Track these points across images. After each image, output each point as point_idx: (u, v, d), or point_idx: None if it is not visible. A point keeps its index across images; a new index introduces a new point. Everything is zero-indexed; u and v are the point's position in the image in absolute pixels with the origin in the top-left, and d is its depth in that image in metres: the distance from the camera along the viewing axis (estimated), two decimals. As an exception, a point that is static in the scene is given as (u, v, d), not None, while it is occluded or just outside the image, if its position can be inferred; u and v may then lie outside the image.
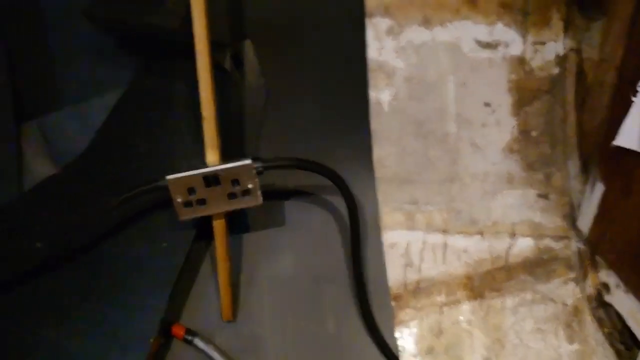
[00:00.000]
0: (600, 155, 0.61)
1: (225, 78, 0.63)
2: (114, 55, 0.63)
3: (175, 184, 0.52)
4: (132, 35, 0.60)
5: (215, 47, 0.54)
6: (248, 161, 0.52)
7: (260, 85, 0.65)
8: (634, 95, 0.52)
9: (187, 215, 0.54)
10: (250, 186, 0.53)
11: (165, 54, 0.62)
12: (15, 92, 0.62)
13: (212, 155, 0.53)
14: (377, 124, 0.66)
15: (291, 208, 0.66)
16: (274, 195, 0.65)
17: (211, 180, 0.53)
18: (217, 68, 0.56)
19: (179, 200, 0.53)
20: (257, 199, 0.54)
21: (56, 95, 0.63)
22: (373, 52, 0.65)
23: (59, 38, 0.63)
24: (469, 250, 0.65)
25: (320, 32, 0.65)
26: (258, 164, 0.53)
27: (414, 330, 0.64)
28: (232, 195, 0.54)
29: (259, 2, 0.65)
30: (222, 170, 0.52)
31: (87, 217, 0.57)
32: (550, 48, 0.65)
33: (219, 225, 0.56)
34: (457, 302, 0.64)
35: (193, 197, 0.53)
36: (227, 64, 0.62)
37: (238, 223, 0.64)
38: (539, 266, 0.65)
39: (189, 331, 0.61)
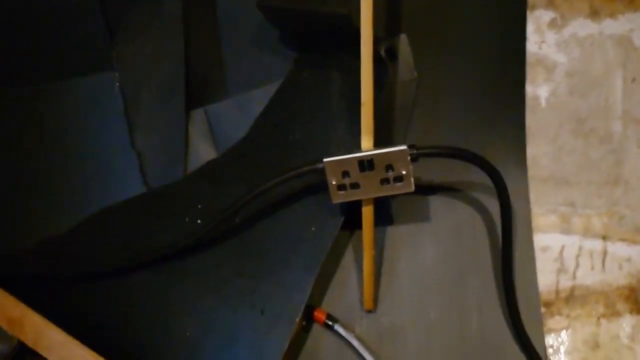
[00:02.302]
0: None
1: (379, 70, 0.64)
2: (276, 47, 0.66)
3: (332, 166, 0.54)
4: (299, 26, 0.63)
5: (373, 40, 0.56)
6: (404, 147, 0.52)
7: (412, 79, 0.65)
8: None
9: (340, 198, 0.55)
10: (403, 172, 0.53)
11: (322, 46, 0.65)
12: (187, 81, 0.67)
13: (367, 141, 0.54)
14: (533, 120, 0.64)
15: (436, 203, 0.65)
16: (420, 190, 0.65)
17: (365, 165, 0.54)
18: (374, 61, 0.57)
19: (334, 182, 0.54)
20: (410, 186, 0.54)
21: (222, 85, 0.68)
22: (532, 45, 0.63)
23: (230, 31, 0.68)
24: (633, 259, 0.60)
25: (479, 25, 0.64)
26: (413, 150, 0.53)
27: (566, 340, 0.59)
28: (384, 181, 0.54)
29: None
30: (377, 155, 0.53)
31: (244, 201, 0.59)
32: None
33: (367, 212, 0.57)
34: (617, 314, 0.59)
35: (347, 181, 0.54)
36: (383, 56, 0.63)
37: (383, 215, 0.64)
38: None
39: (330, 317, 0.62)
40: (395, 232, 0.65)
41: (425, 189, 0.65)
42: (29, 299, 0.61)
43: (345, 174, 0.54)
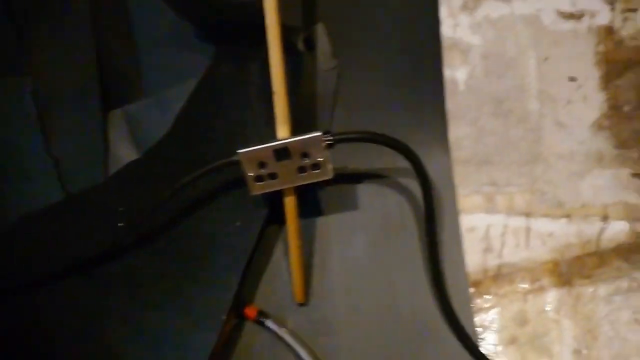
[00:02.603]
0: None
1: (297, 61, 0.63)
2: (192, 43, 0.65)
3: (247, 158, 0.53)
4: (208, 18, 0.62)
5: (288, 30, 0.55)
6: (318, 133, 0.52)
7: (332, 68, 0.65)
8: None
9: (258, 190, 0.55)
10: (320, 159, 0.53)
11: (239, 40, 0.64)
12: (102, 82, 0.65)
13: (282, 130, 0.54)
14: (453, 103, 0.64)
15: (364, 191, 0.64)
16: (346, 179, 0.64)
17: (282, 154, 0.53)
18: (290, 51, 0.57)
19: (251, 174, 0.54)
20: (328, 173, 0.54)
21: (140, 85, 0.66)
22: (447, 29, 0.64)
23: (142, 29, 0.66)
24: (555, 234, 0.61)
25: (393, 11, 0.64)
26: (328, 136, 0.52)
27: (495, 318, 0.60)
28: (302, 169, 0.54)
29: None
30: (291, 142, 0.52)
31: (165, 197, 0.58)
32: (642, 15, 0.60)
33: (290, 202, 0.56)
34: (542, 289, 0.60)
35: (264, 171, 0.53)
36: (300, 46, 0.62)
37: (310, 206, 0.64)
38: (635, 252, 0.60)
39: (261, 313, 0.61)
40: (325, 223, 0.64)
41: (352, 178, 0.65)
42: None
43: (262, 164, 0.53)
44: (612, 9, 0.61)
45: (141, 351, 0.57)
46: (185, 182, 0.55)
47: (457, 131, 0.64)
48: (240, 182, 0.60)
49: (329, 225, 0.64)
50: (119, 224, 0.61)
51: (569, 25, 0.62)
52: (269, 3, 0.50)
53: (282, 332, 0.60)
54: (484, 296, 0.61)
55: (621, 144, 0.61)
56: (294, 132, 0.55)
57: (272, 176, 0.54)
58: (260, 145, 0.53)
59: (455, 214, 0.63)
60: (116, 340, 0.58)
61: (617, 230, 0.60)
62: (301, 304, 0.62)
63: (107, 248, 0.59)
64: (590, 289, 0.59)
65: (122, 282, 0.60)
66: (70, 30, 0.66)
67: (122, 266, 0.60)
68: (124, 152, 0.65)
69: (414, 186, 0.63)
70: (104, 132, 0.65)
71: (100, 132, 0.65)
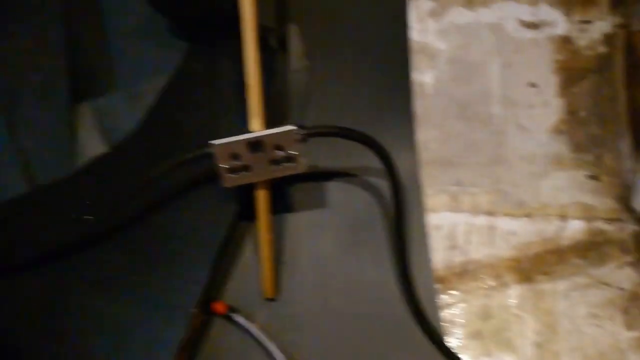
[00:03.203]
0: (654, 130, 0.59)
1: (270, 59, 0.64)
2: (164, 38, 0.65)
3: (220, 149, 0.53)
4: (185, 11, 0.63)
5: (262, 29, 0.56)
6: (292, 127, 0.53)
7: (304, 68, 0.66)
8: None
9: (231, 182, 0.55)
10: (293, 153, 0.54)
11: (211, 35, 0.64)
12: (71, 75, 0.65)
13: (256, 123, 0.54)
14: (421, 106, 0.66)
15: (334, 189, 0.66)
16: (316, 177, 0.65)
17: (255, 147, 0.53)
18: (263, 49, 0.57)
19: (224, 166, 0.54)
20: (301, 166, 0.55)
21: (109, 78, 0.66)
22: (415, 33, 0.66)
23: (113, 22, 0.66)
24: (517, 232, 0.64)
25: (362, 15, 0.66)
26: (301, 130, 0.53)
27: (460, 313, 0.61)
28: (275, 162, 0.54)
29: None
30: (266, 135, 0.53)
31: (134, 191, 0.58)
32: (596, 27, 0.64)
33: (261, 195, 0.57)
34: (505, 285, 0.62)
35: (237, 164, 0.54)
36: (273, 44, 0.63)
37: (281, 203, 0.64)
38: (591, 249, 0.62)
39: (230, 308, 0.61)
40: (295, 220, 0.65)
41: (321, 176, 0.66)
42: None
43: (235, 156, 0.54)
44: (570, 20, 0.65)
45: (108, 346, 0.56)
46: (156, 173, 0.55)
47: (425, 133, 0.66)
48: (210, 176, 0.60)
49: (298, 222, 0.65)
50: (86, 217, 0.60)
51: (530, 34, 0.65)
52: (246, -3, 0.51)
53: (251, 327, 0.60)
54: (450, 292, 0.62)
55: (577, 148, 0.65)
56: (266, 128, 0.55)
57: (246, 168, 0.54)
58: (233, 137, 0.53)
59: (421, 212, 0.64)
60: (82, 334, 0.56)
61: (575, 229, 0.63)
62: (270, 300, 0.62)
63: (73, 241, 0.58)
64: (550, 285, 0.62)
65: (88, 275, 0.58)
66: (38, 20, 0.65)
67: (89, 259, 0.59)
68: (93, 146, 0.64)
69: (382, 185, 0.65)
70: (72, 125, 0.64)
71: (66, 125, 0.64)
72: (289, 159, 0.54)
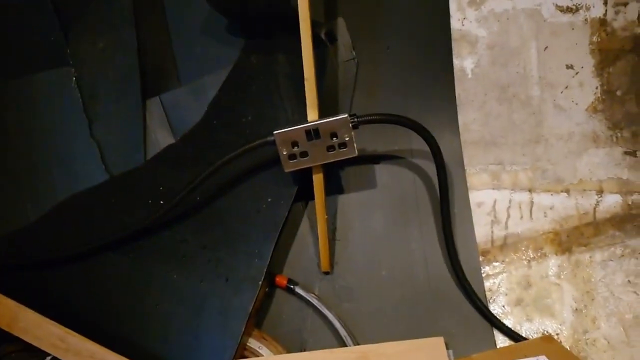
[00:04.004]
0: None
1: (321, 52, 0.69)
2: (224, 35, 0.71)
3: (282, 138, 0.59)
4: (242, 11, 0.68)
5: (313, 24, 0.61)
6: (345, 115, 0.58)
7: (352, 59, 0.71)
8: None
9: (291, 167, 0.61)
10: (346, 139, 0.59)
11: (267, 32, 0.70)
12: (141, 72, 0.71)
13: (312, 113, 0.60)
14: (462, 90, 0.70)
15: (382, 171, 0.71)
16: (366, 160, 0.71)
17: (312, 134, 0.59)
18: (315, 43, 0.63)
19: (285, 152, 0.60)
20: (353, 151, 0.60)
21: (175, 74, 0.72)
22: (456, 22, 0.70)
23: (179, 22, 0.72)
24: (556, 207, 0.68)
25: (407, 7, 0.71)
26: (353, 118, 0.59)
27: (503, 283, 0.66)
28: (330, 148, 0.60)
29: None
30: (322, 124, 0.58)
31: (203, 177, 0.64)
32: (632, 8, 0.67)
33: (318, 179, 0.62)
34: (544, 256, 0.67)
35: (297, 150, 0.60)
36: (323, 39, 0.68)
37: (334, 185, 0.70)
38: (628, 221, 0.66)
39: (291, 280, 0.67)
40: (347, 201, 0.71)
41: (370, 159, 0.71)
42: (1, 286, 0.64)
43: (295, 144, 0.60)
44: (605, 3, 0.68)
45: (187, 314, 0.63)
46: (224, 161, 0.61)
47: (466, 115, 0.70)
48: (271, 163, 0.66)
49: (350, 201, 0.70)
50: (160, 202, 0.67)
51: (566, 17, 0.68)
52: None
53: (311, 297, 0.66)
54: (492, 264, 0.67)
55: (614, 125, 0.68)
56: (320, 116, 0.61)
57: (304, 154, 0.60)
58: (293, 126, 0.59)
59: (464, 190, 0.69)
60: (162, 306, 0.64)
61: (611, 202, 0.67)
62: (326, 273, 0.68)
63: (149, 222, 0.65)
64: (588, 255, 0.66)
65: (166, 253, 0.66)
66: (112, 23, 0.71)
67: (165, 239, 0.66)
68: (162, 137, 0.71)
69: (427, 165, 0.70)
70: (143, 118, 0.71)
71: (139, 118, 0.71)
72: (343, 144, 0.60)
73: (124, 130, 0.71)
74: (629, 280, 0.64)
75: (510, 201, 0.69)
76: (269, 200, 0.66)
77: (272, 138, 0.59)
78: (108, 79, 0.71)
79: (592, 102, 0.68)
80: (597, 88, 0.68)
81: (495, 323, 0.64)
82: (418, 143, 0.68)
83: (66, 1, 0.72)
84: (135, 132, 0.71)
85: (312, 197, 0.65)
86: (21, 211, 0.69)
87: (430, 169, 0.69)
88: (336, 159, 0.61)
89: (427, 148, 0.64)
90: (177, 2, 0.73)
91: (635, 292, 0.64)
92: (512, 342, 0.64)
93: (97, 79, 0.71)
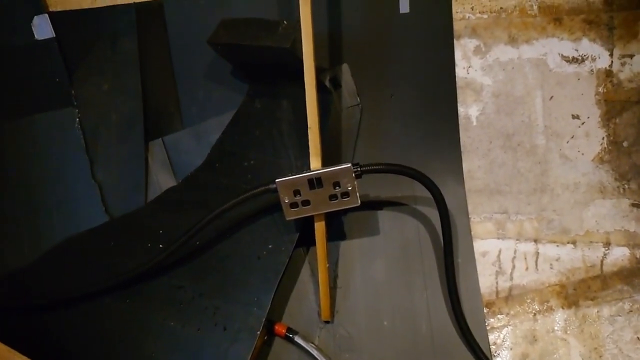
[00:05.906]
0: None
1: (325, 98, 0.69)
2: (228, 79, 0.71)
3: (284, 186, 0.58)
4: (248, 59, 0.68)
5: (317, 70, 0.61)
6: (348, 165, 0.58)
7: (356, 105, 0.71)
8: None
9: (293, 215, 0.60)
10: (349, 188, 0.58)
11: (271, 77, 0.70)
12: (145, 114, 0.71)
13: (315, 161, 0.59)
14: (466, 137, 0.70)
15: (385, 218, 0.70)
16: (369, 206, 0.70)
17: (314, 183, 0.58)
18: (319, 90, 0.63)
19: (286, 201, 0.59)
20: (356, 200, 0.59)
21: (179, 117, 0.72)
22: (461, 70, 0.70)
23: (184, 65, 0.72)
24: (562, 258, 0.66)
25: (412, 54, 0.71)
26: (357, 168, 0.58)
27: (508, 336, 0.65)
28: (333, 197, 0.59)
29: (355, 28, 0.71)
30: (324, 173, 0.58)
31: (205, 223, 0.63)
32: (638, 60, 0.67)
33: (320, 227, 0.62)
34: (550, 310, 0.65)
35: (299, 199, 0.59)
36: (327, 85, 0.68)
37: (336, 231, 0.69)
38: (636, 276, 0.65)
39: (290, 329, 0.66)
40: (349, 247, 0.70)
41: (373, 205, 0.70)
42: (-5, 330, 0.63)
43: (297, 192, 0.59)
44: (611, 54, 0.67)
45: (183, 363, 0.62)
46: (225, 208, 0.60)
47: (470, 163, 0.70)
48: (272, 209, 0.66)
49: (352, 248, 0.69)
50: (160, 246, 0.66)
51: (572, 68, 0.68)
52: (306, 49, 0.56)
53: (310, 348, 0.65)
54: (497, 316, 0.65)
55: (621, 177, 0.67)
56: (323, 159, 0.60)
57: (306, 203, 0.59)
58: (295, 175, 0.58)
59: (469, 239, 0.68)
60: (158, 355, 0.62)
61: (619, 255, 0.65)
62: (327, 322, 0.67)
63: (148, 268, 0.64)
64: (595, 310, 0.64)
65: (163, 299, 0.64)
66: (116, 65, 0.72)
67: (163, 285, 0.65)
68: (163, 179, 0.71)
69: (430, 213, 0.69)
70: (145, 160, 0.71)
71: (141, 161, 0.71)
72: (345, 194, 0.59)
73: (125, 172, 0.71)
74: (638, 337, 0.63)
75: (515, 251, 0.67)
76: (270, 246, 0.65)
77: (274, 186, 0.59)
78: (111, 120, 0.71)
79: (599, 153, 0.68)
80: (603, 139, 0.68)
81: (500, 379, 0.62)
82: (422, 190, 0.67)
83: (72, 43, 0.72)
84: (137, 174, 0.70)
85: (313, 242, 0.64)
86: (20, 252, 0.68)
87: (434, 216, 0.68)
88: (338, 208, 0.60)
89: (430, 194, 0.63)
90: (183, 46, 0.73)
91: (644, 350, 0.62)
92: (517, 400, 0.62)
93: (101, 120, 0.71)
